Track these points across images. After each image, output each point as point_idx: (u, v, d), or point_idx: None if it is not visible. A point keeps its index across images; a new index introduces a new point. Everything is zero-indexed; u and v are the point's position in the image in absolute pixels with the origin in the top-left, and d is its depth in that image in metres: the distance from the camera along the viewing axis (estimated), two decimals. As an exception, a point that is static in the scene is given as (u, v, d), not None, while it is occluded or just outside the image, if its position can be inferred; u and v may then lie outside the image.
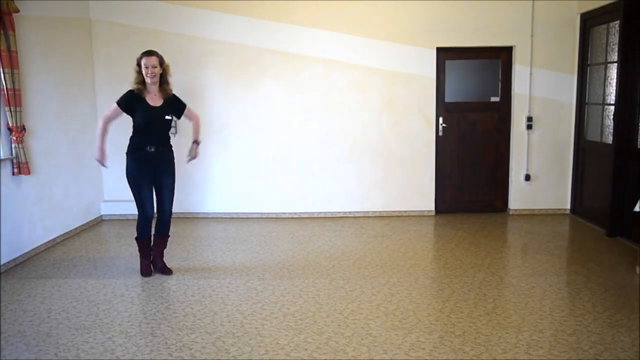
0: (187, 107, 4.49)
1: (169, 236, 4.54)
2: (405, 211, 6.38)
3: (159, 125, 4.25)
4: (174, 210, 6.52)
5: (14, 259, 4.72)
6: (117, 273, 4.48)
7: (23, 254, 4.85)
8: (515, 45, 6.11)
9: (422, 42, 6.08)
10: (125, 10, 6.09)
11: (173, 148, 4.46)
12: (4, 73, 4.49)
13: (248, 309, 3.70)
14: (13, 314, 3.68)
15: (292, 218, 6.36)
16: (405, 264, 4.61)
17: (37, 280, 4.35)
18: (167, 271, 4.45)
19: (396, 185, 6.32)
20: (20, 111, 4.70)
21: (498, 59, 6.24)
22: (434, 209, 6.39)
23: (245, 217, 6.40)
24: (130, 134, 4.31)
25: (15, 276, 4.45)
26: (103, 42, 6.15)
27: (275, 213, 6.40)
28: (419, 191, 6.34)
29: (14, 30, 4.55)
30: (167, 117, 4.28)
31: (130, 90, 4.22)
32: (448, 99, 6.27)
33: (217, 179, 6.36)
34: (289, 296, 3.91)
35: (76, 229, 5.77)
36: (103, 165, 4.39)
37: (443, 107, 6.26)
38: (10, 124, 4.63)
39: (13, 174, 4.72)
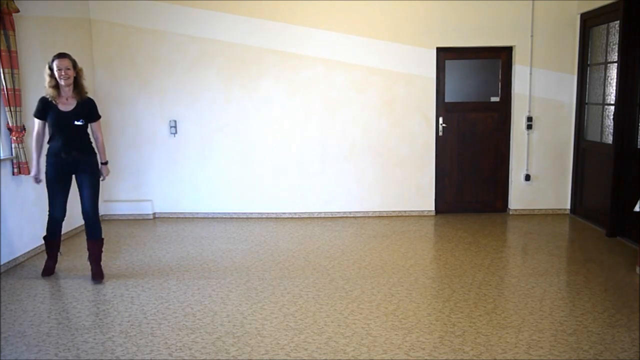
0: (99, 121, 4.34)
1: (101, 239, 4.38)
2: (405, 211, 6.38)
3: (69, 131, 4.16)
4: (172, 210, 6.55)
5: (14, 259, 4.73)
6: (116, 273, 4.48)
7: (23, 254, 4.85)
8: (515, 45, 6.11)
9: (422, 42, 6.08)
10: (125, 10, 6.09)
11: (95, 152, 4.36)
12: (4, 73, 4.49)
13: (248, 309, 3.70)
14: (13, 314, 3.68)
15: (292, 218, 6.35)
16: (405, 264, 4.61)
17: (37, 280, 4.35)
18: (98, 277, 4.30)
19: (396, 185, 6.32)
20: (20, 111, 4.70)
21: (498, 59, 6.24)
22: (434, 209, 6.39)
23: (245, 217, 6.40)
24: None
25: (15, 276, 4.45)
26: (103, 42, 6.15)
27: (275, 213, 6.40)
28: (418, 191, 6.34)
29: (14, 30, 4.56)
30: (76, 123, 4.16)
31: (41, 97, 4.17)
32: (448, 99, 6.26)
33: (217, 178, 6.36)
34: (289, 296, 3.91)
35: (76, 229, 5.77)
36: (38, 181, 4.35)
37: (443, 107, 6.26)
38: (10, 124, 4.63)
39: (13, 174, 4.72)
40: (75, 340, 3.27)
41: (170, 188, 6.39)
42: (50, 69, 4.07)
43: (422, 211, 6.38)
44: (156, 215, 6.45)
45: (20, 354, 3.12)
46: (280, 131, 6.26)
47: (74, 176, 4.31)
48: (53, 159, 4.19)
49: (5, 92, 4.53)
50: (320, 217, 6.35)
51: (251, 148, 6.30)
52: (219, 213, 6.41)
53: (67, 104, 4.14)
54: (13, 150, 4.70)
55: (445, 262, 4.67)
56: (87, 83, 5.97)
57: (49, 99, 4.12)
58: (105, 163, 4.45)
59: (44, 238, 4.47)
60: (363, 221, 6.15)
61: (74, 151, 4.18)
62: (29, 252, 4.93)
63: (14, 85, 4.58)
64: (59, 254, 4.54)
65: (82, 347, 3.17)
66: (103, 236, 4.42)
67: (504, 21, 6.05)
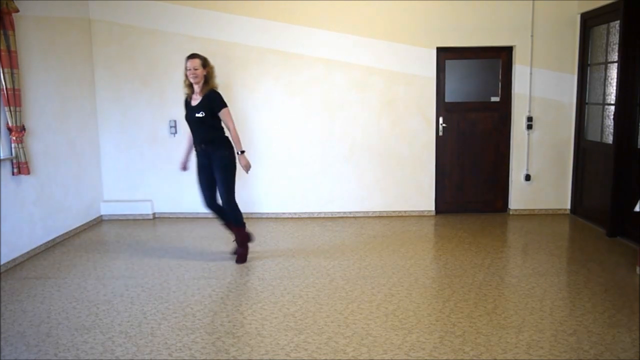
0: (223, 110, 4.47)
1: (239, 227, 4.72)
2: (405, 211, 6.38)
3: (195, 124, 4.51)
4: (172, 210, 6.54)
5: (14, 259, 4.73)
6: (117, 273, 4.48)
7: (23, 254, 4.85)
8: (515, 45, 6.11)
9: (422, 42, 6.08)
10: (125, 10, 6.09)
11: (230, 144, 4.59)
12: (4, 73, 4.49)
13: (248, 309, 3.70)
14: (13, 314, 3.68)
15: (292, 218, 6.35)
16: (405, 264, 4.61)
17: (37, 280, 4.35)
18: (239, 259, 4.72)
19: (396, 185, 6.32)
20: (20, 111, 4.70)
21: (498, 59, 6.24)
22: (434, 209, 6.39)
23: (245, 217, 6.35)
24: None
25: (15, 276, 4.45)
26: (103, 42, 6.15)
27: (275, 213, 6.39)
28: (419, 191, 6.34)
29: (14, 30, 4.55)
30: (197, 115, 4.44)
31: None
32: (448, 99, 6.26)
33: (217, 179, 6.35)
34: (289, 296, 3.91)
35: (76, 229, 5.77)
36: (183, 169, 4.82)
37: (443, 107, 6.26)
38: (10, 124, 4.63)
39: (13, 174, 4.72)
40: (75, 340, 3.27)
41: (170, 188, 6.38)
42: (186, 68, 4.43)
43: (422, 211, 6.38)
44: (156, 215, 6.45)
45: (20, 354, 3.12)
46: (281, 131, 6.26)
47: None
48: (195, 152, 4.61)
49: (5, 92, 4.53)
50: (320, 217, 6.35)
51: (251, 148, 6.29)
52: (219, 213, 6.40)
53: (195, 100, 4.49)
54: (13, 150, 4.70)
55: (445, 262, 4.67)
56: (87, 82, 6.06)
57: (186, 97, 4.56)
58: (242, 152, 4.54)
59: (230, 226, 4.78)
60: (363, 221, 6.15)
61: (202, 144, 4.51)
62: (28, 252, 4.93)
63: (13, 85, 4.58)
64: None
65: (82, 347, 3.17)
66: (244, 222, 4.76)
67: (504, 21, 6.05)
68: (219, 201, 4.67)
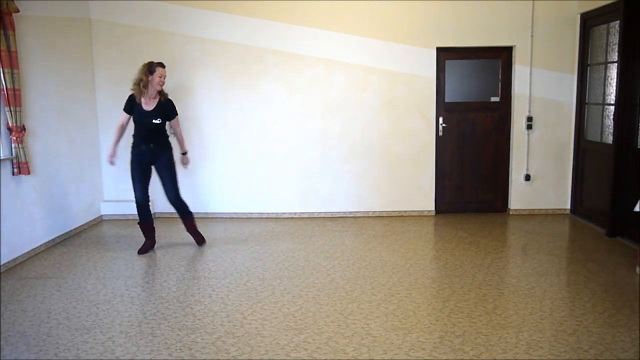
0: (176, 118, 4.98)
1: (190, 215, 5.11)
2: (405, 211, 6.38)
3: (149, 127, 4.79)
4: (172, 210, 6.51)
5: (14, 259, 4.72)
6: (117, 273, 4.48)
7: (23, 254, 4.85)
8: (515, 45, 6.11)
9: (422, 42, 6.08)
10: (125, 10, 6.09)
11: (172, 146, 5.01)
12: (4, 73, 4.49)
13: (248, 309, 3.70)
14: (13, 314, 3.68)
15: (292, 218, 6.35)
16: (405, 264, 4.61)
17: (37, 280, 4.35)
18: (200, 241, 5.20)
19: (396, 185, 6.32)
20: (20, 111, 4.70)
21: (498, 59, 6.24)
22: (434, 209, 6.39)
23: (245, 217, 6.40)
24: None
25: (15, 276, 4.45)
26: (103, 42, 6.15)
27: (275, 213, 6.40)
28: (419, 191, 6.34)
29: (14, 30, 4.55)
30: (154, 121, 4.77)
31: (130, 95, 4.81)
32: (448, 99, 6.26)
33: (217, 179, 6.36)
34: (289, 296, 3.91)
35: (76, 229, 5.77)
36: (111, 163, 4.96)
37: (443, 107, 6.26)
38: (10, 124, 4.63)
39: (13, 174, 4.72)
40: (75, 340, 3.27)
41: (170, 188, 6.38)
42: (151, 72, 4.68)
43: (422, 211, 6.38)
44: (156, 215, 6.44)
45: (20, 354, 3.12)
46: (280, 131, 6.26)
47: (153, 167, 4.92)
48: (135, 149, 4.85)
49: (5, 92, 4.53)
50: (320, 217, 6.35)
51: (251, 148, 6.30)
52: (219, 213, 6.41)
53: (149, 104, 4.77)
54: (13, 150, 4.70)
55: (445, 262, 4.67)
56: (87, 83, 6.06)
57: (134, 97, 4.77)
58: (185, 153, 5.14)
59: (138, 223, 5.03)
60: (363, 221, 6.15)
61: (152, 144, 4.81)
62: (29, 252, 4.93)
63: (13, 85, 4.58)
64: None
65: (82, 347, 3.17)
66: (191, 210, 5.11)
67: (504, 21, 6.05)
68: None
